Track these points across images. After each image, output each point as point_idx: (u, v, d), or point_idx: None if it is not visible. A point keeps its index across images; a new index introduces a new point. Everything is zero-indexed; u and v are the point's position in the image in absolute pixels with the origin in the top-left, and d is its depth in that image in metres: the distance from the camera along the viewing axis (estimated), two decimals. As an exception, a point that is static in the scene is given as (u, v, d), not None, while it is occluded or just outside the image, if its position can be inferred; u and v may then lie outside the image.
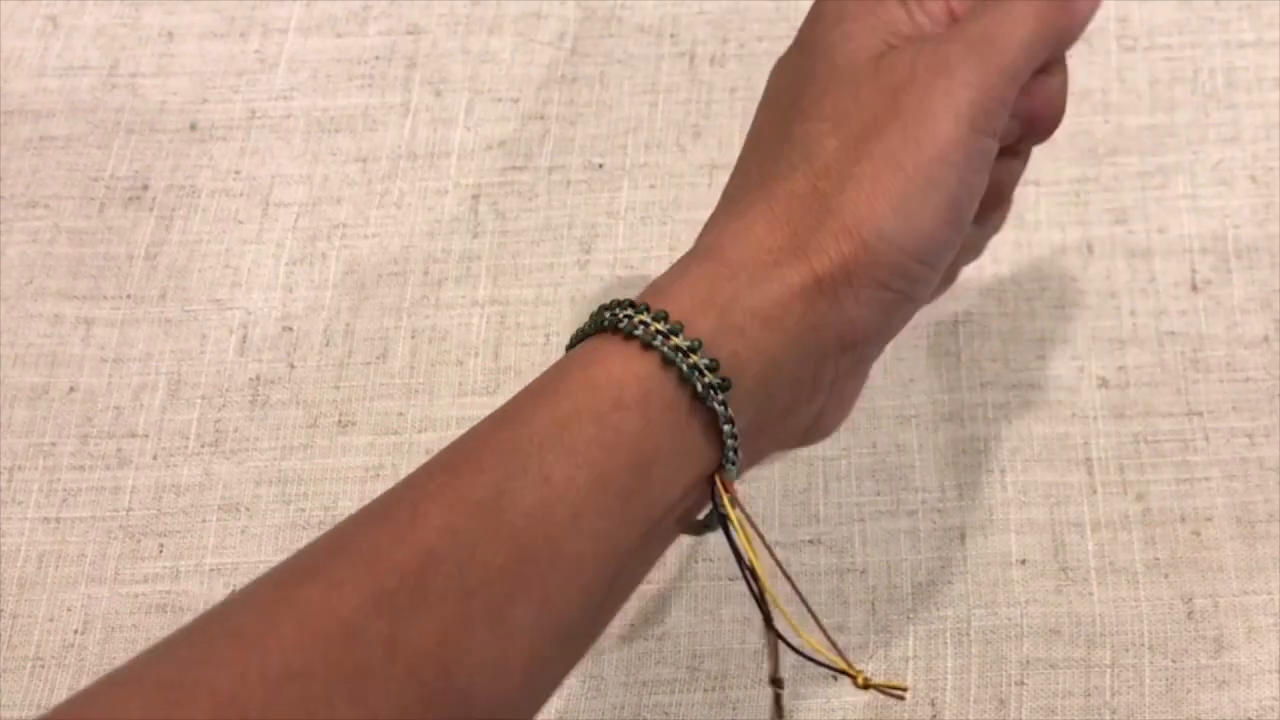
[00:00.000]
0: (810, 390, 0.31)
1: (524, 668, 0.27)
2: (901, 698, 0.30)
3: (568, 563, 0.27)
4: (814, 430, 0.34)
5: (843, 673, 0.31)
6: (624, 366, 0.29)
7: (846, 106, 0.31)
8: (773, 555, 0.31)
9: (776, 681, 0.32)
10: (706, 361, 0.28)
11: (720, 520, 0.30)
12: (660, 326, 0.29)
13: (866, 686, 0.31)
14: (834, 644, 0.31)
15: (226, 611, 0.26)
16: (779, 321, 0.30)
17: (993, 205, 0.35)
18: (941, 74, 0.31)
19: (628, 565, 0.29)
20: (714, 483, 0.29)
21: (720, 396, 0.28)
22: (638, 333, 0.29)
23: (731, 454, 0.29)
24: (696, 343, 0.28)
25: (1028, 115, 0.33)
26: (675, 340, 0.28)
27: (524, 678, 0.27)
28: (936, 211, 0.30)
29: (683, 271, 0.31)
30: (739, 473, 0.30)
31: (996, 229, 0.37)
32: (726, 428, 0.29)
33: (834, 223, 0.30)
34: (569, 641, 0.29)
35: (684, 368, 0.28)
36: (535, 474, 0.28)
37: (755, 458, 0.32)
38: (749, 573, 0.30)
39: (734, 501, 0.29)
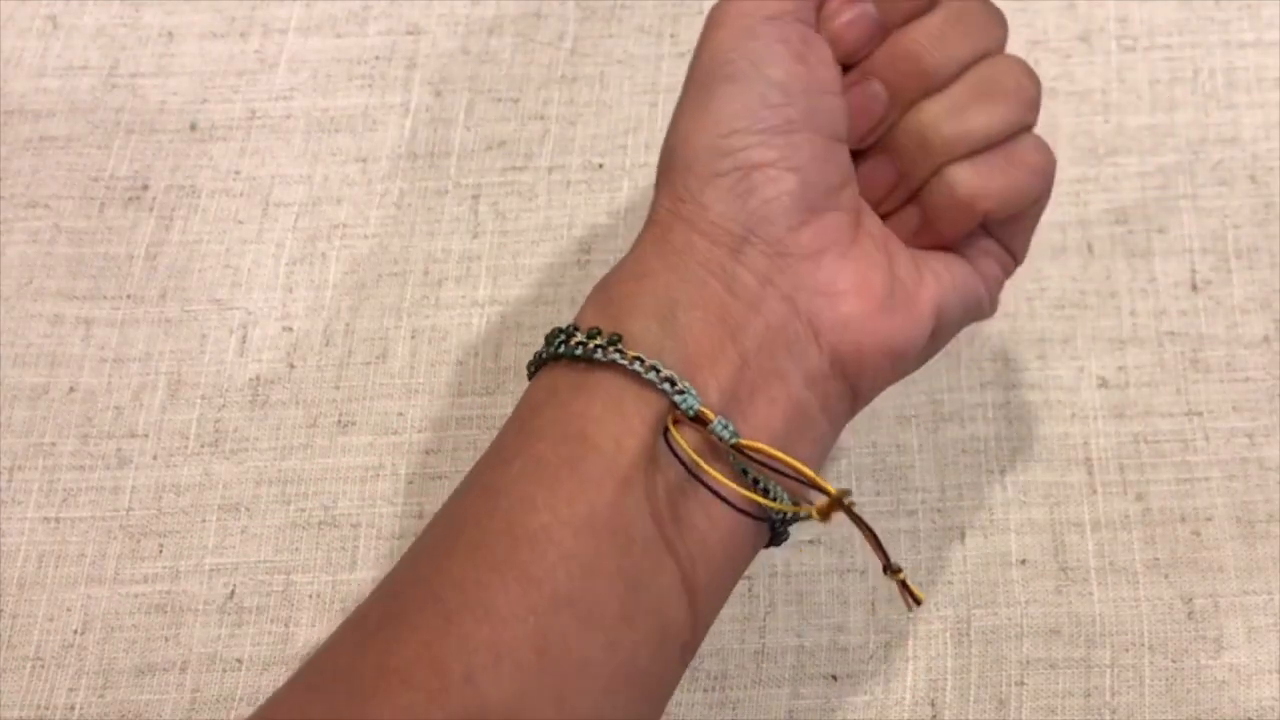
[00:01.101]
0: (743, 297, 0.31)
1: (534, 648, 0.27)
2: (910, 606, 0.31)
3: (532, 540, 0.28)
4: (850, 333, 0.32)
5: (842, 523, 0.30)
6: (535, 382, 0.32)
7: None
8: (746, 459, 0.30)
9: (892, 569, 0.31)
10: (584, 334, 0.31)
11: (670, 450, 0.30)
12: (548, 337, 0.32)
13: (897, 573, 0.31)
14: (815, 486, 0.30)
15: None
16: (644, 266, 0.32)
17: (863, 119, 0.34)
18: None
19: (625, 523, 0.29)
20: (668, 419, 0.30)
21: (614, 348, 0.30)
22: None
23: (668, 385, 0.30)
24: (572, 327, 0.31)
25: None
26: (560, 337, 0.31)
27: (538, 657, 0.27)
28: (728, 95, 0.32)
29: None
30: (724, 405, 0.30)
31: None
32: (635, 367, 0.30)
33: (656, 177, 0.33)
34: (584, 614, 0.28)
35: (564, 350, 0.31)
36: (474, 486, 0.30)
37: (761, 379, 0.31)
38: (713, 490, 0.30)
39: (680, 424, 0.30)
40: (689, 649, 0.31)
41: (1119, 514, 0.43)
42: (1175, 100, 0.50)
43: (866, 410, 0.45)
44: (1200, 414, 0.45)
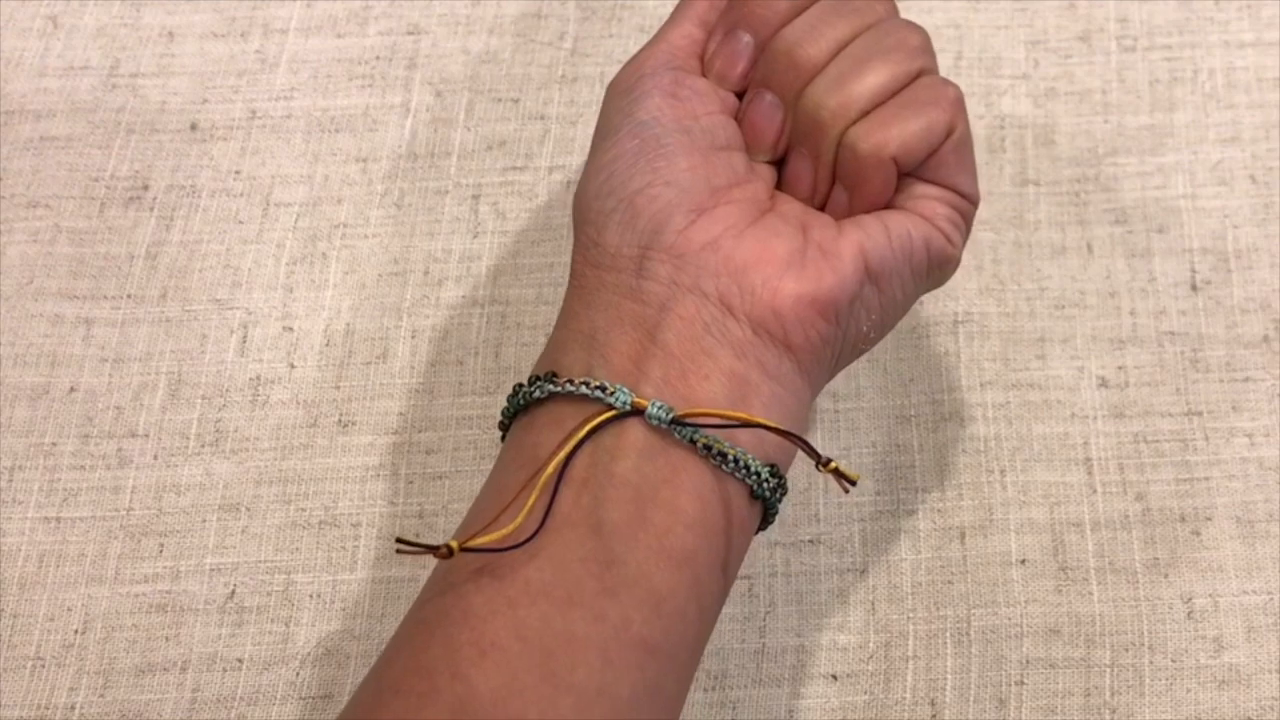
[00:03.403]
0: (653, 303, 0.33)
1: (515, 636, 0.30)
2: (845, 489, 0.34)
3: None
4: (760, 298, 0.34)
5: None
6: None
7: None
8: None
9: (823, 462, 0.33)
10: (526, 384, 0.34)
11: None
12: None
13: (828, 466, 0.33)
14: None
15: None
16: (567, 316, 0.35)
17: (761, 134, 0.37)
18: None
19: (584, 515, 0.31)
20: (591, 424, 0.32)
21: (548, 383, 0.33)
22: None
23: (600, 392, 0.32)
24: (518, 385, 0.34)
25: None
26: (510, 399, 0.34)
27: (520, 643, 0.30)
28: (603, 148, 0.35)
29: None
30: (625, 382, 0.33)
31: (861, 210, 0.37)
32: (567, 388, 0.32)
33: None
34: (561, 597, 0.30)
35: (513, 404, 0.34)
36: (471, 512, 0.34)
37: (690, 363, 0.33)
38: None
39: (615, 421, 0.32)
40: (694, 611, 0.32)
41: (1119, 514, 0.43)
42: (1175, 100, 0.50)
43: (866, 410, 0.45)
44: (1200, 414, 0.45)
